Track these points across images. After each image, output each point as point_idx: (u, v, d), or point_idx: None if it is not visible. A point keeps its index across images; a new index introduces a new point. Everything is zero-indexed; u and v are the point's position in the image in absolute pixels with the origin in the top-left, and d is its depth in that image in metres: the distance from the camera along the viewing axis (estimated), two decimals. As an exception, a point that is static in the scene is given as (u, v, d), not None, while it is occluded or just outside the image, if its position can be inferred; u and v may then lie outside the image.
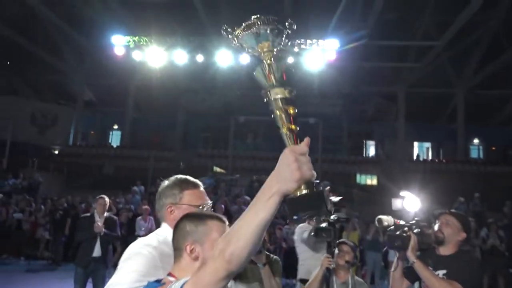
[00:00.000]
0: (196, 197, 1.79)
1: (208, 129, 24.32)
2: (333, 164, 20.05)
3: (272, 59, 1.16)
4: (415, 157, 23.89)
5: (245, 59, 13.50)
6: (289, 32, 1.17)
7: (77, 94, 23.65)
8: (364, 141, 25.19)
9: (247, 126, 21.96)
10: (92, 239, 5.64)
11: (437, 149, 24.88)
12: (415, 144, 25.11)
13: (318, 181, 1.12)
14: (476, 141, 24.64)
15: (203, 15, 17.16)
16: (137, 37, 13.17)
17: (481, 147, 24.81)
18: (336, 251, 3.29)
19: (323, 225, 3.11)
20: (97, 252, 5.65)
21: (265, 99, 1.16)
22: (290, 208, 1.08)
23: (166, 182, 1.84)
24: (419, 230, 2.85)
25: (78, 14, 18.02)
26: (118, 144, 24.74)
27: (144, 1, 15.72)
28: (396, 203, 3.69)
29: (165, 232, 1.72)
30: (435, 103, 22.72)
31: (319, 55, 13.23)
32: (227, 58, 13.33)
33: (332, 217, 3.13)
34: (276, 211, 1.06)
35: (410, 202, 3.58)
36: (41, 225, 11.34)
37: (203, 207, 1.77)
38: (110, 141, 25.91)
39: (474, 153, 24.63)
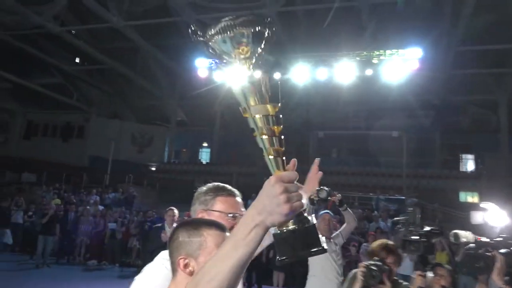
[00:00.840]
0: (230, 205, 1.68)
1: (288, 144, 24.32)
2: (423, 179, 18.71)
3: (251, 68, 0.97)
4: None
5: (321, 74, 13.43)
6: (270, 34, 0.99)
7: (170, 115, 25.58)
8: (460, 155, 23.09)
9: (328, 141, 21.58)
10: (161, 248, 5.98)
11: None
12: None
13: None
14: None
15: (279, 33, 17.51)
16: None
17: None
18: (430, 274, 2.87)
19: (413, 237, 2.74)
20: (166, 261, 5.95)
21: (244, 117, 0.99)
22: (278, 248, 0.91)
23: (203, 188, 1.75)
24: (507, 249, 2.42)
25: (168, 42, 19.58)
26: (208, 160, 26.09)
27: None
28: (476, 217, 3.23)
29: None
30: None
31: (400, 65, 12.61)
32: (304, 74, 13.40)
33: (426, 228, 2.80)
34: (258, 247, 0.89)
35: (494, 216, 3.07)
36: (133, 235, 12.36)
37: (234, 217, 1.64)
38: (200, 158, 27.42)
39: None
